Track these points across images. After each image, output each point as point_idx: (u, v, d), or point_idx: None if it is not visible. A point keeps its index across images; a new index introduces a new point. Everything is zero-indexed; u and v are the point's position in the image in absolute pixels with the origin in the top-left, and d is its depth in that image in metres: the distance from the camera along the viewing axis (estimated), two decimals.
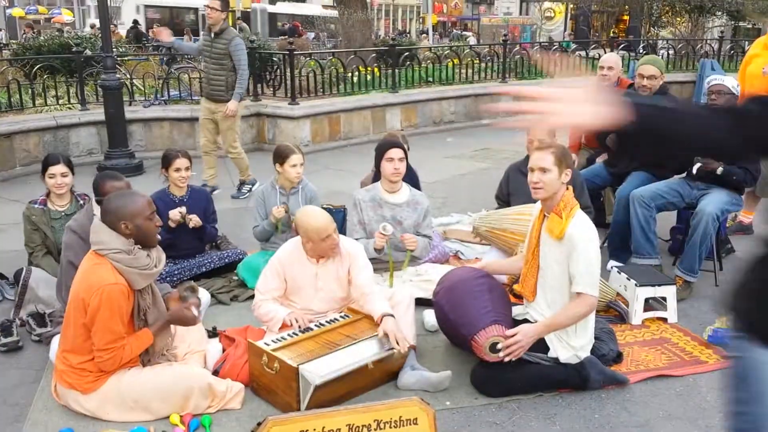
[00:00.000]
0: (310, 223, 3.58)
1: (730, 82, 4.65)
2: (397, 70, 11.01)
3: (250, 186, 7.21)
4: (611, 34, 16.75)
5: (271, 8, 31.00)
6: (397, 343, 3.37)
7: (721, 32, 16.22)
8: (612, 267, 4.62)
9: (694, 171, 4.63)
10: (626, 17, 26.01)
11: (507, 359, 3.27)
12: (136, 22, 24.70)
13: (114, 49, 9.23)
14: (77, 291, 3.11)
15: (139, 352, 3.20)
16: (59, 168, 4.46)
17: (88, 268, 3.13)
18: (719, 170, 4.58)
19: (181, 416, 3.15)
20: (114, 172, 4.13)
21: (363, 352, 3.36)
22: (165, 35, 7.19)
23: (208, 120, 7.04)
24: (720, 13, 20.46)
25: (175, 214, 4.65)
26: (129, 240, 3.15)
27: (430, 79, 11.73)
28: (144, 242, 3.20)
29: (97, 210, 3.82)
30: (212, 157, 7.17)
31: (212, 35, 6.84)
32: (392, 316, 3.49)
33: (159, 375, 3.19)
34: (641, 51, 13.93)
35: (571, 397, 3.39)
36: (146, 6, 30.72)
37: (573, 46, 15.25)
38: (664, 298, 4.24)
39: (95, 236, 3.16)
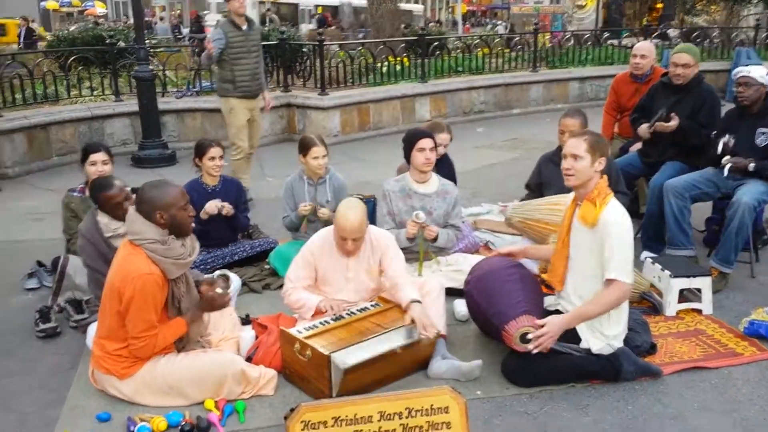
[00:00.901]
0: (339, 216, 3.59)
1: (758, 72, 4.52)
2: (426, 60, 10.97)
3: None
4: (644, 23, 16.48)
5: (357, 2, 32.23)
6: (425, 329, 3.38)
7: (757, 20, 15.88)
8: (646, 258, 4.57)
9: (725, 173, 4.53)
10: (660, 5, 25.56)
11: (536, 351, 3.26)
12: (198, 17, 25.17)
13: (147, 41, 9.33)
14: (113, 280, 3.16)
15: (172, 340, 3.24)
16: (101, 156, 4.53)
17: (123, 257, 3.18)
18: (751, 166, 4.49)
19: (215, 402, 3.20)
20: (105, 179, 4.11)
21: (393, 341, 3.38)
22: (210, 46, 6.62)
23: (251, 118, 6.54)
24: (756, 1, 20.01)
25: (211, 206, 4.69)
26: (164, 230, 3.19)
27: (460, 68, 11.67)
28: (178, 232, 3.23)
29: (101, 216, 3.89)
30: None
31: (244, 28, 6.38)
32: (419, 302, 3.51)
33: (194, 361, 3.23)
34: (676, 39, 13.66)
35: (604, 388, 3.37)
36: (260, 2, 32.58)
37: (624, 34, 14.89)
38: (699, 290, 4.19)
39: (130, 227, 3.20)
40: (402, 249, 3.95)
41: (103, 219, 3.88)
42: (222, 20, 6.79)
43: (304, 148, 4.79)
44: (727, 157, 4.53)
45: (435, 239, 4.39)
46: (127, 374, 3.21)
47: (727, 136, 4.55)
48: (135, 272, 3.08)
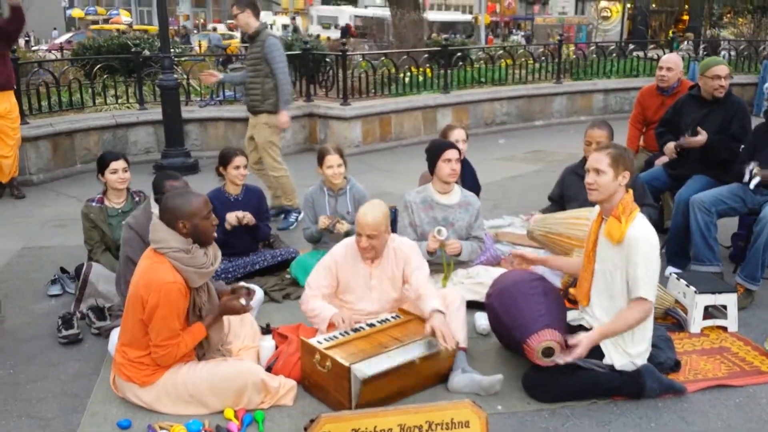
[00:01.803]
0: (359, 212, 3.63)
1: None
2: (449, 71, 10.97)
3: (297, 214, 6.13)
4: (670, 35, 16.36)
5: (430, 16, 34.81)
6: (445, 340, 3.36)
7: None
8: (671, 273, 4.51)
9: (752, 186, 4.46)
10: (686, 17, 25.40)
11: (561, 362, 3.22)
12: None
13: (171, 50, 9.43)
14: (136, 288, 3.18)
15: (193, 346, 3.25)
16: (121, 163, 4.58)
17: (148, 265, 3.19)
18: None
19: (235, 411, 3.19)
20: (172, 171, 4.22)
21: (413, 352, 3.36)
22: (209, 77, 6.71)
23: (250, 136, 6.34)
24: None
25: (232, 218, 4.71)
26: (187, 239, 3.20)
27: (483, 79, 11.65)
28: (200, 241, 3.24)
29: (155, 208, 3.90)
30: (263, 175, 6.45)
31: (252, 41, 6.17)
32: (442, 312, 3.48)
33: (214, 370, 3.24)
34: (702, 52, 13.54)
35: (627, 405, 3.32)
36: (355, 16, 36.96)
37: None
38: (725, 306, 4.12)
39: (154, 234, 3.22)
40: None
41: (156, 210, 3.90)
42: None
43: (320, 157, 4.82)
44: (756, 170, 4.45)
45: (458, 254, 4.37)
46: (148, 382, 3.22)
47: (752, 164, 4.47)
48: (159, 280, 3.10)
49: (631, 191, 3.39)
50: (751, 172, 4.44)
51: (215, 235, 3.33)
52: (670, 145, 5.06)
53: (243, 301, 3.38)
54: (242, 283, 3.72)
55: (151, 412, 3.24)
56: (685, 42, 15.70)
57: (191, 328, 3.24)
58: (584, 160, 4.80)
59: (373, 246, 3.66)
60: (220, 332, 3.42)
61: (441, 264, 4.38)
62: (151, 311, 3.09)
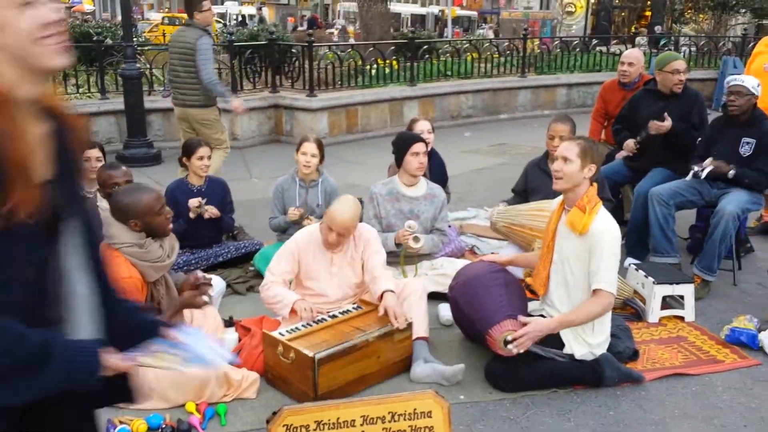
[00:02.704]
0: (334, 207, 3.63)
1: (750, 82, 4.57)
2: (415, 64, 10.98)
3: None
4: (633, 30, 16.60)
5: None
6: (396, 319, 3.41)
7: (745, 30, 16.03)
8: (630, 264, 4.59)
9: (703, 176, 4.57)
10: (648, 13, 25.76)
11: (515, 351, 3.25)
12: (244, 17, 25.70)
13: (134, 39, 9.28)
14: None
15: None
16: (95, 152, 4.52)
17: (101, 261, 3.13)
18: (730, 174, 4.53)
19: (196, 404, 3.17)
20: (113, 161, 4.15)
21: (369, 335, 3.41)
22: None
23: None
24: (744, 10, 20.22)
25: (194, 202, 4.66)
26: (140, 234, 3.15)
27: (449, 72, 11.69)
28: (155, 235, 3.19)
29: (101, 201, 3.85)
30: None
31: None
32: (392, 291, 3.53)
33: None
34: (663, 46, 13.76)
35: (586, 394, 3.38)
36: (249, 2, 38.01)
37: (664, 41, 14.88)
38: (682, 297, 4.21)
39: (107, 230, 3.16)
40: (387, 253, 3.95)
41: (102, 203, 3.85)
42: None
43: (299, 143, 4.80)
44: (709, 160, 4.56)
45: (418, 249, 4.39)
46: None
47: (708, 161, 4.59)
48: (114, 276, 3.04)
49: (596, 185, 3.44)
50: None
51: (171, 227, 3.27)
52: (629, 142, 5.13)
53: (206, 298, 3.34)
54: (198, 272, 3.68)
55: (109, 406, 3.19)
56: (643, 38, 15.95)
57: None
58: (547, 153, 4.85)
59: (340, 243, 3.68)
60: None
61: (400, 256, 4.39)
62: None
